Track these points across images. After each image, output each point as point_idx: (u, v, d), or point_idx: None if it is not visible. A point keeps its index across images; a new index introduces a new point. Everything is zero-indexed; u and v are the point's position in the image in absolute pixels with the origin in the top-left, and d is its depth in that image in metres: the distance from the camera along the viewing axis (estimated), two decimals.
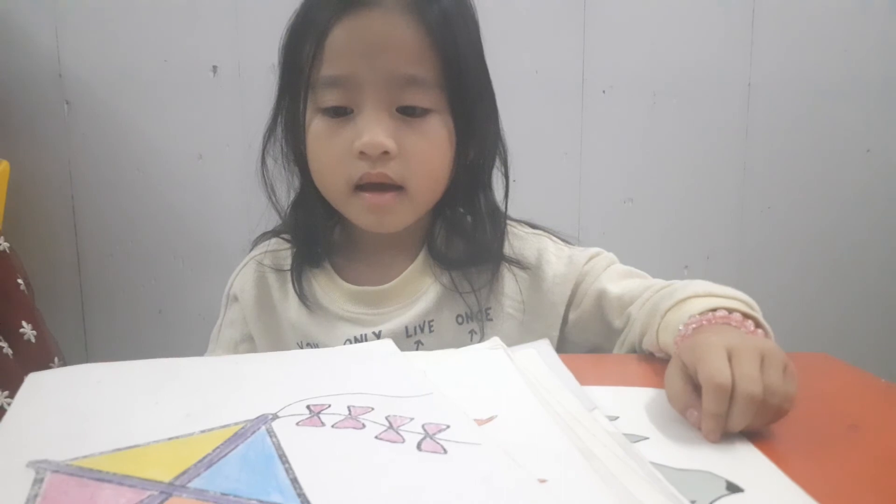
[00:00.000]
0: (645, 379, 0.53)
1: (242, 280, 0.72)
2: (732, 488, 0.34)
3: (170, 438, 0.37)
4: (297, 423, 0.39)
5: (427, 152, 0.62)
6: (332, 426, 0.38)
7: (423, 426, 0.38)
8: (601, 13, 1.44)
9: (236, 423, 0.38)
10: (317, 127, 0.63)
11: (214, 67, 1.38)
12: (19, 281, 0.95)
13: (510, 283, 0.68)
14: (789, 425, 0.44)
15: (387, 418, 0.39)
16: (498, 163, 0.70)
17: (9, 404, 0.84)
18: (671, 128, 1.49)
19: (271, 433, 0.37)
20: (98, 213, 1.40)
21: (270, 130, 0.69)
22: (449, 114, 0.63)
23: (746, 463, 0.38)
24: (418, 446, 0.36)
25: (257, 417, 0.39)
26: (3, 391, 0.82)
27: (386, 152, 0.60)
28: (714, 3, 1.46)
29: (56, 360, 0.91)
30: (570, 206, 1.49)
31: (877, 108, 1.51)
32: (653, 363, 0.57)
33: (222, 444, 0.36)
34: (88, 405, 0.42)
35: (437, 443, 0.36)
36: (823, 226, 1.55)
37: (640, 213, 1.51)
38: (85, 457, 0.34)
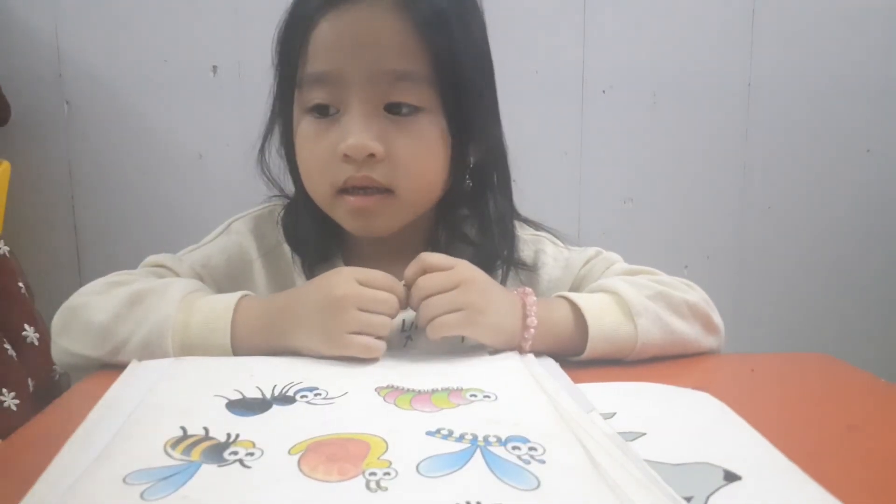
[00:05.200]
0: (640, 374, 0.53)
1: (261, 226, 0.69)
2: (730, 477, 0.34)
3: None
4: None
5: (417, 154, 0.60)
6: None
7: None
8: (601, 13, 1.44)
9: None
10: (304, 128, 0.61)
11: (214, 67, 1.38)
12: (20, 284, 0.95)
13: (511, 285, 0.68)
14: (789, 425, 0.44)
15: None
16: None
17: (16, 405, 0.84)
18: (671, 128, 1.49)
19: None
20: (98, 213, 1.40)
21: (267, 133, 0.67)
22: (442, 113, 0.60)
23: (745, 449, 0.38)
24: None
25: None
26: (9, 392, 0.83)
27: (372, 155, 0.58)
28: (714, 3, 1.46)
29: None
30: (570, 206, 1.49)
31: (877, 108, 1.52)
32: (645, 359, 0.57)
33: None
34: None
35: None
36: (823, 226, 1.55)
37: (640, 213, 1.51)
38: None
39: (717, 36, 1.47)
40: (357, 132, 0.57)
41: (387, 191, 0.60)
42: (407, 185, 0.60)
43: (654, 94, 1.48)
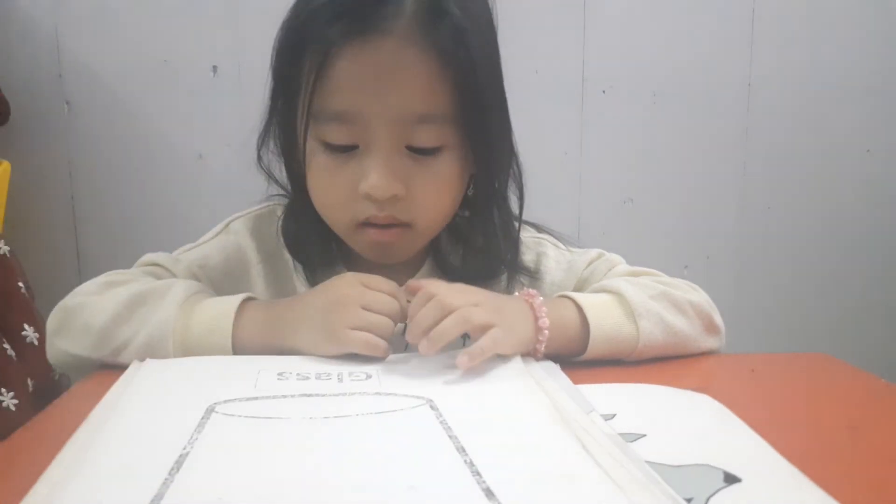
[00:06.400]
0: (640, 375, 0.53)
1: (261, 227, 0.68)
2: (730, 479, 0.34)
3: None
4: None
5: (437, 192, 0.60)
6: None
7: None
8: (601, 13, 1.44)
9: None
10: (319, 160, 0.59)
11: (214, 67, 1.38)
12: (20, 284, 0.96)
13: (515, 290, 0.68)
14: (790, 425, 0.44)
15: None
16: (511, 183, 0.66)
17: (14, 405, 0.84)
18: (671, 128, 1.49)
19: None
20: (98, 213, 1.40)
21: (264, 135, 0.66)
22: (461, 147, 0.59)
23: (745, 451, 0.38)
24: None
25: None
26: (8, 392, 0.83)
27: (394, 195, 0.57)
28: (714, 2, 1.46)
29: None
30: (570, 206, 1.49)
31: (877, 108, 1.52)
32: (646, 360, 0.57)
33: None
34: None
35: None
36: (823, 226, 1.55)
37: (640, 213, 1.51)
38: None
39: (717, 36, 1.47)
40: (379, 172, 0.56)
41: (405, 224, 0.60)
42: (426, 220, 0.61)
43: (654, 94, 1.48)
